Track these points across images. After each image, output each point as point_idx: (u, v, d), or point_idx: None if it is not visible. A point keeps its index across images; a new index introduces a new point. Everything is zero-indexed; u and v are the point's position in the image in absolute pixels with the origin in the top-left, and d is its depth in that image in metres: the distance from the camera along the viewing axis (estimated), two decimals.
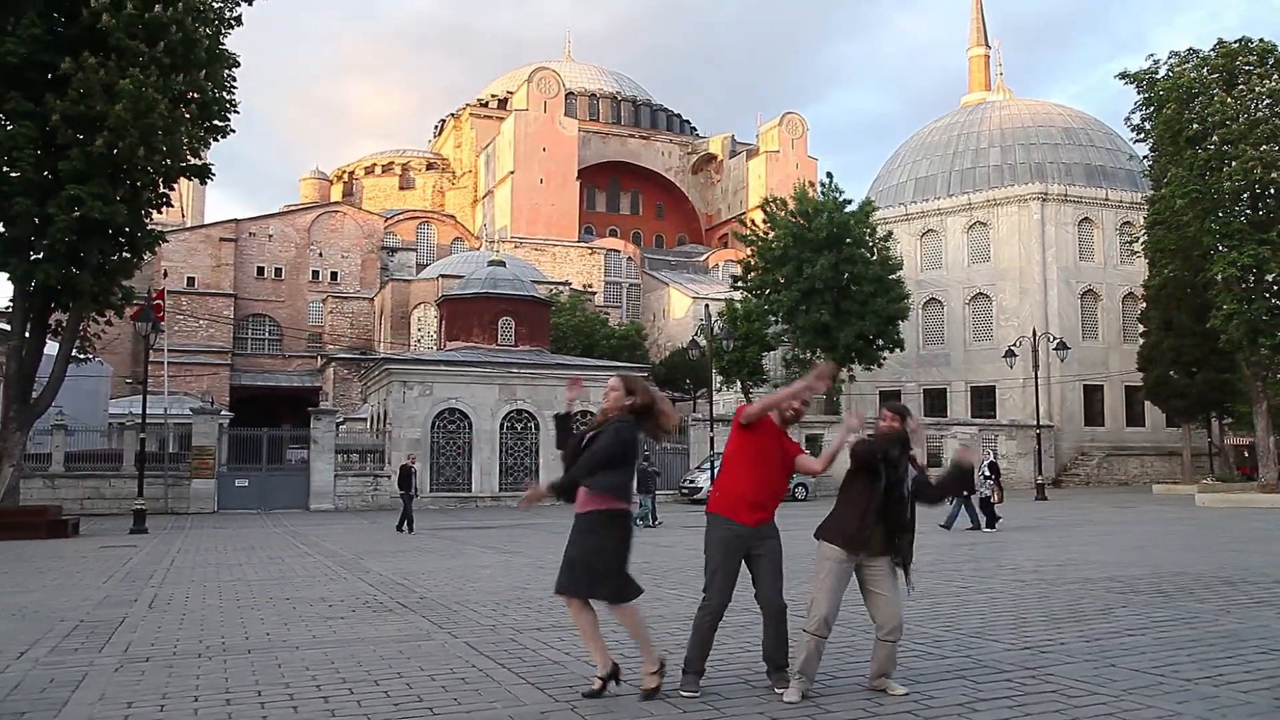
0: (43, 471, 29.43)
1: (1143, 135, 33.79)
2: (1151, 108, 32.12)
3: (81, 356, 24.77)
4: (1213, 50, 30.97)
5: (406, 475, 22.21)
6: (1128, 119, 33.97)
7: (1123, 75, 32.67)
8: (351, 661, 6.75)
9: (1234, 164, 29.31)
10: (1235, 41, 30.72)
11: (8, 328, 25.20)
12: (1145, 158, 35.99)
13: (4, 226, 21.04)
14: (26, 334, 22.20)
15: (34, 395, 22.51)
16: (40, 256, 21.01)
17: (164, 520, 26.22)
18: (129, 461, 29.33)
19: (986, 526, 18.57)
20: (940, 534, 18.19)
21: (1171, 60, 31.80)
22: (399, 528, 21.13)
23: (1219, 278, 30.45)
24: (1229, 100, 29.84)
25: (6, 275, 21.46)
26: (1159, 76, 31.70)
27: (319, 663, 6.72)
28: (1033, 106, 57.32)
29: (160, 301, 30.95)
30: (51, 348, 23.52)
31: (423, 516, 27.36)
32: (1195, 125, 30.43)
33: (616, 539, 5.40)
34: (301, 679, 6.21)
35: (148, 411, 25.49)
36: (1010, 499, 34.16)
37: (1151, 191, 36.12)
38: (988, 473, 19.23)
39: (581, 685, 5.73)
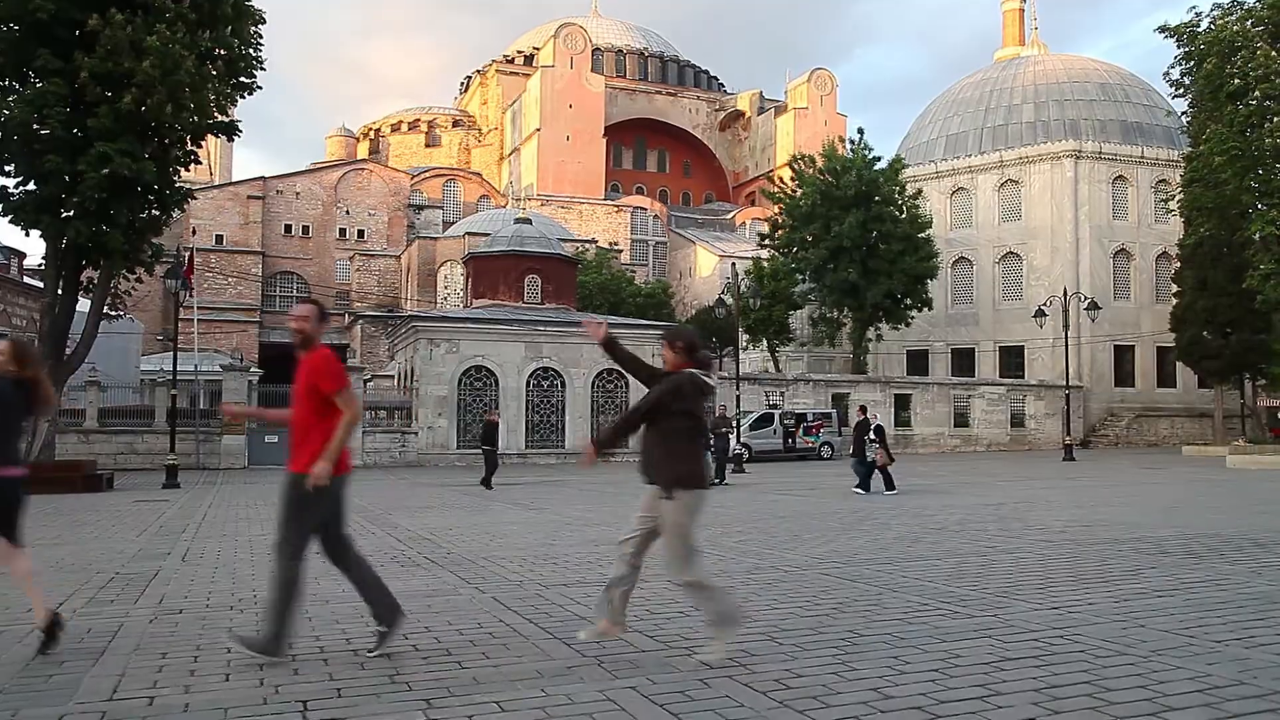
0: (77, 427, 29.89)
1: (1182, 91, 33.05)
2: (1192, 62, 31.37)
3: (113, 314, 25.06)
4: (1258, 1, 30.11)
5: (492, 431, 22.24)
6: (1166, 74, 33.26)
7: (1163, 29, 31.91)
8: None
9: (1276, 120, 28.63)
10: None
11: (41, 285, 25.52)
12: (1183, 114, 35.25)
13: (35, 184, 21.21)
14: (59, 291, 22.45)
15: (67, 352, 22.82)
16: (71, 214, 21.20)
17: (195, 475, 26.61)
18: (161, 417, 29.72)
19: (857, 488, 18.27)
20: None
21: (1214, 12, 30.99)
22: (484, 483, 20.94)
23: (1257, 237, 29.90)
24: (1273, 54, 29.04)
25: (39, 233, 21.68)
26: (1200, 30, 30.91)
27: (349, 616, 6.80)
28: (1068, 62, 56.14)
29: (189, 262, 31.13)
30: (84, 305, 23.80)
31: (450, 473, 27.63)
32: (1237, 80, 29.66)
33: None
34: (331, 631, 6.30)
35: (179, 368, 25.76)
36: (1038, 459, 34.07)
37: (1189, 149, 35.40)
38: (873, 436, 18.86)
39: (609, 640, 5.77)
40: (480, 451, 22.73)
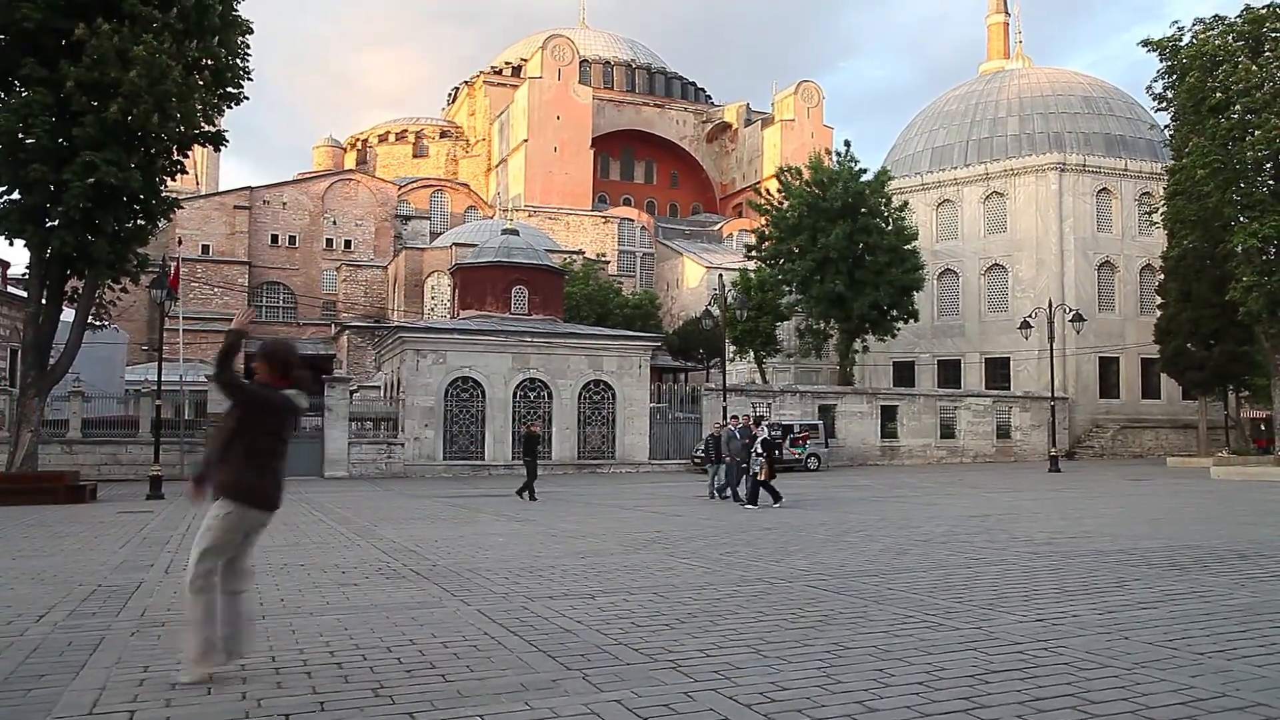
0: (60, 437, 29.69)
1: (1164, 104, 33.30)
2: (1174, 76, 31.62)
3: (98, 324, 24.92)
4: (1239, 16, 30.42)
5: (533, 442, 22.14)
6: (1149, 88, 33.50)
7: (1145, 43, 32.17)
8: (365, 628, 6.80)
9: (1257, 133, 28.88)
10: (1263, 7, 30.09)
11: (25, 295, 25.35)
12: (1166, 127, 35.50)
13: (20, 193, 21.12)
14: (44, 301, 22.32)
15: (51, 362, 22.67)
16: (56, 223, 21.09)
17: (180, 486, 26.41)
18: (145, 428, 29.54)
19: (748, 503, 17.92)
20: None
21: (1196, 27, 31.29)
22: (520, 493, 20.67)
23: (1239, 249, 30.11)
24: (1254, 68, 29.32)
25: (23, 242, 21.56)
26: (1183, 44, 31.19)
27: (332, 628, 6.77)
28: (1052, 75, 56.55)
29: (174, 272, 31.03)
30: (68, 315, 23.66)
31: (435, 484, 27.55)
32: (1219, 94, 29.93)
33: None
34: (315, 644, 6.26)
35: (164, 378, 25.62)
36: (1024, 471, 34.15)
37: (1172, 162, 35.67)
38: (760, 450, 18.61)
39: (594, 654, 5.75)
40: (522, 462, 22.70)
